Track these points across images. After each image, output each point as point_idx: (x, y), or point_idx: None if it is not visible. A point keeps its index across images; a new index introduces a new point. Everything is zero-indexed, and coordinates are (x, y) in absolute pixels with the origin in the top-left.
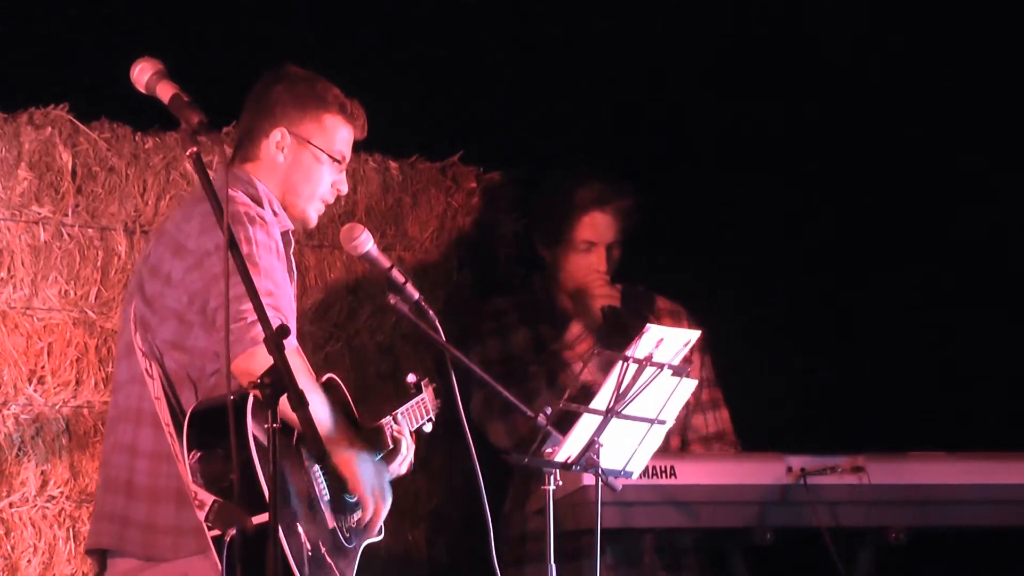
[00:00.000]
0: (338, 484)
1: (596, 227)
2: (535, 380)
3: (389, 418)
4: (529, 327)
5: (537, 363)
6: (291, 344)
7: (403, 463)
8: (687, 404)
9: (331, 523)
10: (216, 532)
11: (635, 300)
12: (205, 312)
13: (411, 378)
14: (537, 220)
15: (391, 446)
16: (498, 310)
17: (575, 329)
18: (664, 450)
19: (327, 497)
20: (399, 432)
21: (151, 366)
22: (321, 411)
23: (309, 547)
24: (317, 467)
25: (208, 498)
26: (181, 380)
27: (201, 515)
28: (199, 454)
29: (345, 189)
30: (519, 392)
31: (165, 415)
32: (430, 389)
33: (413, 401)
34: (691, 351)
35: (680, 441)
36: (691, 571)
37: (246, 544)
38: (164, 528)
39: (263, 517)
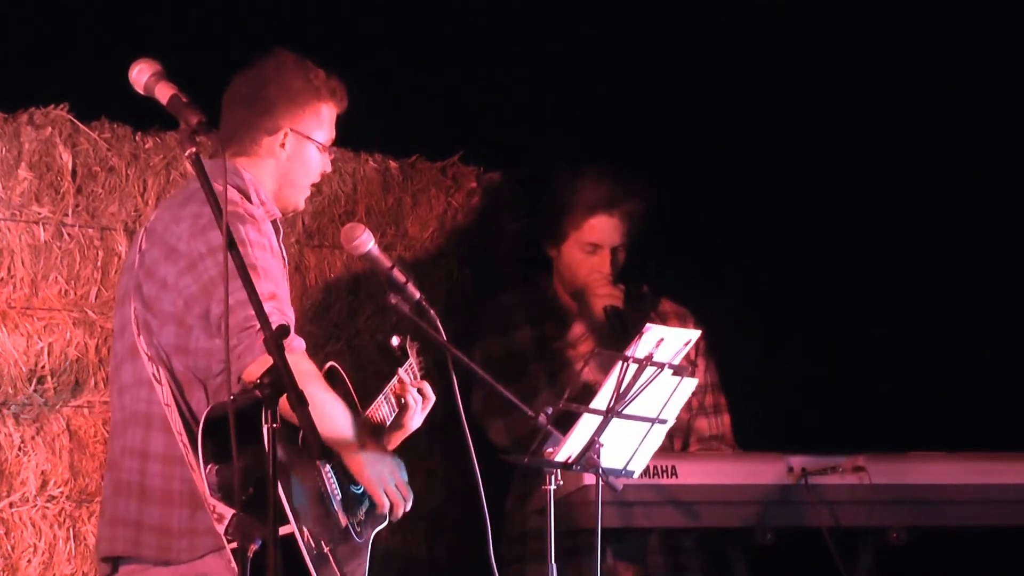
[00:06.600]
0: (347, 479)
1: (602, 230)
2: (535, 378)
3: (394, 381)
4: (533, 325)
5: (540, 361)
6: (300, 347)
7: (414, 416)
8: (690, 407)
9: (343, 521)
10: (235, 545)
11: (638, 301)
12: (207, 318)
13: (395, 341)
14: (543, 218)
15: (396, 409)
16: (502, 307)
17: (577, 329)
18: (665, 451)
19: (339, 496)
20: (399, 389)
21: (158, 370)
22: (342, 419)
23: (314, 546)
24: (328, 465)
25: (227, 512)
26: (189, 381)
27: (220, 528)
28: (216, 467)
29: (329, 168)
30: (518, 390)
31: (177, 424)
32: (414, 348)
33: (406, 364)
34: (695, 355)
35: (682, 443)
36: (694, 572)
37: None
38: (179, 531)
39: (287, 528)
